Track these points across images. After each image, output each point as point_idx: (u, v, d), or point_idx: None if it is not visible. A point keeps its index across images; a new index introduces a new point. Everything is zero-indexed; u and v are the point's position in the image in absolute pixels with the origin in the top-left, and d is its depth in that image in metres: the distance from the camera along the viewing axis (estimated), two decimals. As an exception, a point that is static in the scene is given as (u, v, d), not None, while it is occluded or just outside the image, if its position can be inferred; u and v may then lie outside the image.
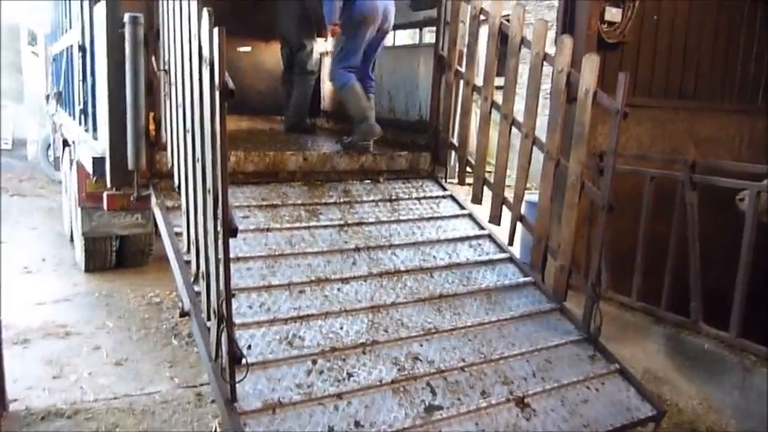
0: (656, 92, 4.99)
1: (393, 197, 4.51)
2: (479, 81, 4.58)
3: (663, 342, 3.97)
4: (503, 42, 4.40)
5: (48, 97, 8.67)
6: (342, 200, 4.30)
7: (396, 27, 6.03)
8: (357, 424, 2.80)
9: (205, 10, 2.58)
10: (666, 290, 4.01)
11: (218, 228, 2.55)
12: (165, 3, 3.43)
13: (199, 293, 3.05)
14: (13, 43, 13.16)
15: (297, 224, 3.95)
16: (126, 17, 3.56)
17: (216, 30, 2.41)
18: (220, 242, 2.55)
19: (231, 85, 2.40)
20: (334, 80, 4.92)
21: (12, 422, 3.33)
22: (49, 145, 10.47)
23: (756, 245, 3.61)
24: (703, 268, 3.87)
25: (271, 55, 7.02)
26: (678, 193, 3.95)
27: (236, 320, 3.05)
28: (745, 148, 5.29)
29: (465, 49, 4.67)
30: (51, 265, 6.33)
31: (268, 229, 3.81)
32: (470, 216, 4.55)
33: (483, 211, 4.59)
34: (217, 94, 2.43)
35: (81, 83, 5.00)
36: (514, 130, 4.27)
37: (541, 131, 4.07)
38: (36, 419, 3.38)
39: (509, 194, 4.36)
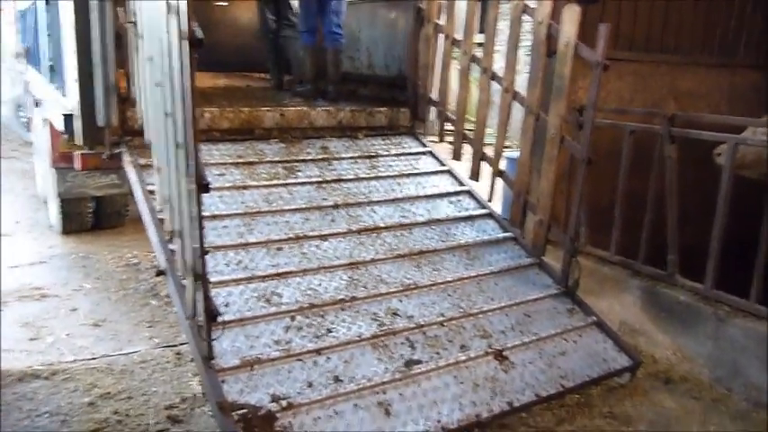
0: (638, 46, 4.93)
1: (372, 154, 4.46)
2: (459, 35, 4.49)
3: (639, 295, 4.01)
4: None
5: (17, 55, 8.38)
6: (320, 156, 4.25)
7: (374, -20, 5.89)
8: (336, 379, 2.81)
9: (170, -45, 2.46)
10: (644, 243, 4.03)
11: (191, 184, 2.49)
12: (131, -50, 3.30)
13: (174, 252, 3.00)
14: (-22, -1, 12.68)
15: (274, 181, 3.89)
16: (90, -33, 3.42)
17: (182, -24, 2.31)
18: (193, 198, 2.49)
19: (200, 34, 2.31)
20: (300, 40, 5.29)
21: (-12, 384, 3.30)
22: (21, 105, 10.18)
23: (733, 198, 3.62)
24: (681, 222, 3.89)
25: (247, 9, 6.84)
26: (657, 147, 3.93)
27: (213, 278, 3.02)
28: (724, 103, 5.27)
29: (444, 2, 4.57)
30: (26, 228, 6.21)
31: (245, 187, 3.76)
32: (450, 172, 4.52)
33: (463, 168, 4.56)
34: (185, 43, 2.34)
35: (48, 38, 4.82)
36: (494, 84, 4.22)
37: (522, 87, 4.02)
38: (13, 381, 3.35)
39: (489, 150, 4.33)
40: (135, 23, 3.32)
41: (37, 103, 6.58)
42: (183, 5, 2.32)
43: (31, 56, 6.65)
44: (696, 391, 3.55)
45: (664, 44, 5.07)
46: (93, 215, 6.02)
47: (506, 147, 4.39)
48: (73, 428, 2.96)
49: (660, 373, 3.70)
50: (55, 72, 4.66)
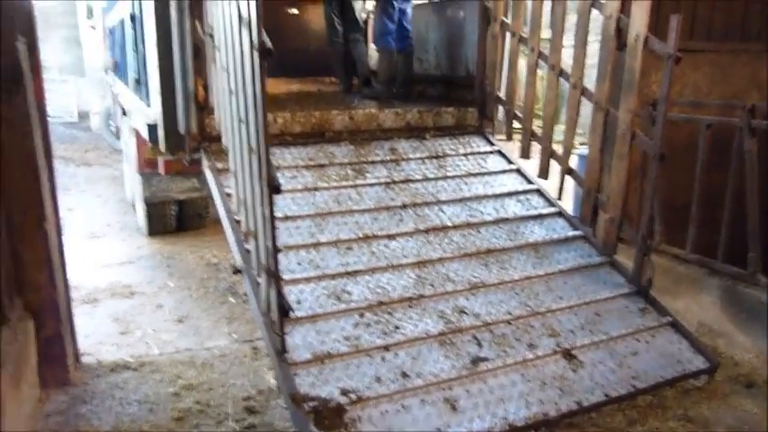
0: (716, 35, 4.75)
1: (440, 154, 4.50)
2: (526, 32, 4.47)
3: (718, 294, 3.87)
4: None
5: (106, 69, 8.96)
6: (388, 158, 4.32)
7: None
8: (404, 374, 2.87)
9: (242, -30, 2.61)
10: (723, 241, 3.88)
11: (263, 186, 2.62)
12: (207, -33, 3.49)
13: (249, 251, 3.16)
14: (71, 19, 13.63)
15: (344, 183, 4.00)
16: (171, -16, 3.64)
17: (252, -10, 2.45)
18: (266, 200, 2.62)
19: (269, 44, 2.44)
20: (377, 43, 5.44)
21: (84, 373, 3.57)
22: (110, 115, 10.87)
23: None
24: (762, 218, 3.72)
25: (317, 16, 7.01)
26: (736, 141, 3.78)
27: (286, 276, 3.15)
28: (813, 92, 4.99)
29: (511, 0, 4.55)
30: (116, 230, 6.63)
31: (316, 189, 3.88)
32: (518, 171, 4.50)
33: (532, 166, 4.53)
34: (256, 54, 2.47)
35: (134, 52, 5.15)
36: (564, 82, 4.17)
37: (590, 82, 3.95)
38: (106, 371, 3.62)
39: (558, 148, 4.28)
40: (212, 36, 3.51)
41: (124, 113, 7.02)
42: (255, 18, 2.45)
43: (118, 69, 7.10)
44: (781, 395, 3.40)
45: (745, 31, 4.86)
46: (176, 217, 6.36)
47: (582, 144, 4.32)
48: (159, 416, 3.17)
49: (741, 377, 3.56)
50: (140, 84, 4.97)
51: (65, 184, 8.30)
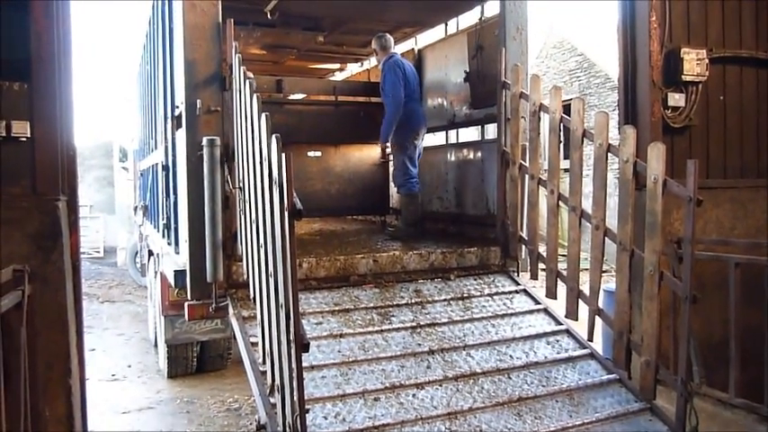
0: (732, 172, 4.82)
1: (465, 295, 4.46)
2: (544, 174, 4.58)
3: (771, 443, 3.63)
4: (565, 134, 4.44)
5: (135, 209, 9.30)
6: (413, 300, 4.29)
7: (459, 125, 6.23)
8: None
9: (274, 136, 2.74)
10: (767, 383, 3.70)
11: (291, 341, 2.59)
12: (239, 126, 3.69)
13: (275, 405, 3.06)
14: (106, 160, 14.38)
15: (369, 328, 3.95)
16: (204, 140, 3.85)
17: (284, 155, 2.56)
18: (293, 356, 2.58)
19: (299, 205, 2.52)
20: (402, 187, 5.61)
21: None
22: (137, 252, 11.11)
23: None
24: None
25: (339, 158, 7.30)
26: (766, 280, 3.71)
27: (312, 433, 3.03)
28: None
29: (527, 144, 4.71)
30: (136, 372, 6.54)
31: (341, 335, 3.83)
32: (546, 311, 4.43)
33: (559, 304, 4.46)
34: (286, 214, 2.54)
35: (165, 199, 5.35)
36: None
37: (610, 210, 3.97)
38: None
39: (584, 283, 4.23)
40: (241, 189, 3.65)
41: (151, 254, 7.17)
42: (285, 180, 2.55)
43: (148, 212, 7.35)
44: None
45: (761, 167, 4.93)
46: (197, 359, 6.28)
47: (604, 271, 4.26)
48: None
49: None
50: (169, 230, 5.11)
51: (87, 322, 8.29)
